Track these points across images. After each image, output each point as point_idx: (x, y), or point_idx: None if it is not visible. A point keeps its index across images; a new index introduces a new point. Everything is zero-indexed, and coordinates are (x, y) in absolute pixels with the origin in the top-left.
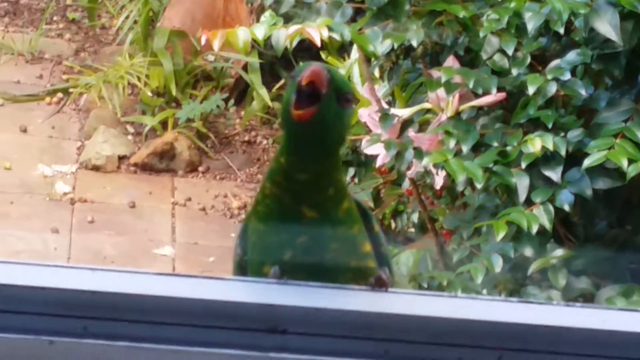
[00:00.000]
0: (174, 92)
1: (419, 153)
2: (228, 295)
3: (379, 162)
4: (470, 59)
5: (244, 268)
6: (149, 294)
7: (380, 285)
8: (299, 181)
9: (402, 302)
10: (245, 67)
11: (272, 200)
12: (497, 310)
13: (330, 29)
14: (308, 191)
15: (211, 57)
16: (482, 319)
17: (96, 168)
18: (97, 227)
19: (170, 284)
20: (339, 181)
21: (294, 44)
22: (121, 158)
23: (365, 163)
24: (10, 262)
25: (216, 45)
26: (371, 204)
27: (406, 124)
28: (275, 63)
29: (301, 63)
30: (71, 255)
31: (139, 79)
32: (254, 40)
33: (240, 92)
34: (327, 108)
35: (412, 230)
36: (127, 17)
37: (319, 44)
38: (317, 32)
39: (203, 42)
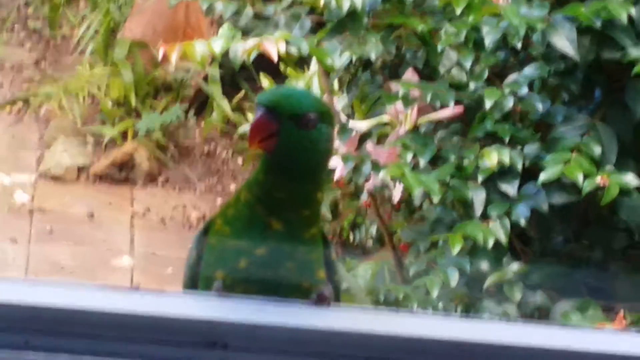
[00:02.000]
0: (134, 102)
1: (377, 166)
2: (168, 309)
3: (336, 175)
4: (428, 73)
5: (195, 272)
6: (89, 309)
7: (322, 301)
8: (276, 198)
9: (343, 318)
10: (205, 78)
11: (245, 207)
12: (436, 326)
13: (288, 42)
14: (283, 207)
15: (171, 68)
16: (423, 335)
17: (55, 178)
18: (56, 237)
19: (111, 298)
20: (316, 205)
21: (252, 57)
22: (81, 168)
23: None
24: None
25: (174, 58)
26: (329, 216)
27: (364, 136)
28: (235, 74)
29: (266, 85)
30: (29, 266)
31: (99, 89)
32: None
33: (201, 103)
34: (286, 136)
35: (370, 242)
36: (88, 27)
37: (275, 58)
38: (274, 46)
39: (160, 55)
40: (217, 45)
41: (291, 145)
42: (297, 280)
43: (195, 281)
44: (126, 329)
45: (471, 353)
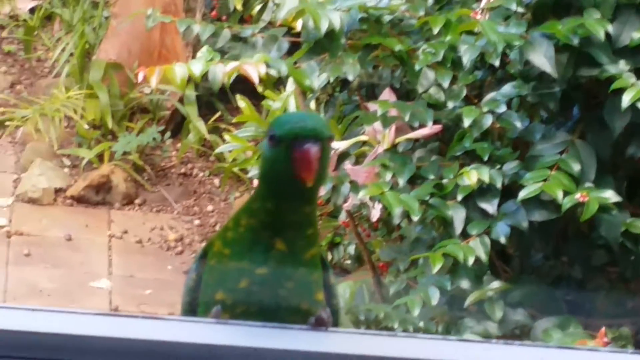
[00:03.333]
0: (110, 124)
1: (355, 187)
2: (168, 335)
3: None
4: (406, 92)
5: (193, 297)
6: (89, 335)
7: (320, 324)
8: (283, 219)
9: (341, 341)
10: (181, 100)
11: (247, 230)
12: (435, 348)
13: (267, 65)
14: (289, 228)
15: (147, 90)
16: (421, 357)
17: (32, 201)
18: (34, 260)
19: (111, 324)
20: (316, 223)
21: (231, 79)
22: (57, 191)
23: None
24: None
25: (153, 82)
26: None
27: (342, 156)
28: (211, 95)
29: (242, 106)
30: (7, 289)
31: (75, 111)
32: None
33: (177, 125)
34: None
35: (349, 262)
36: (63, 50)
37: (257, 81)
38: (255, 69)
39: (140, 79)
40: (197, 67)
41: (321, 169)
42: (297, 301)
43: (194, 306)
44: (126, 354)
45: None
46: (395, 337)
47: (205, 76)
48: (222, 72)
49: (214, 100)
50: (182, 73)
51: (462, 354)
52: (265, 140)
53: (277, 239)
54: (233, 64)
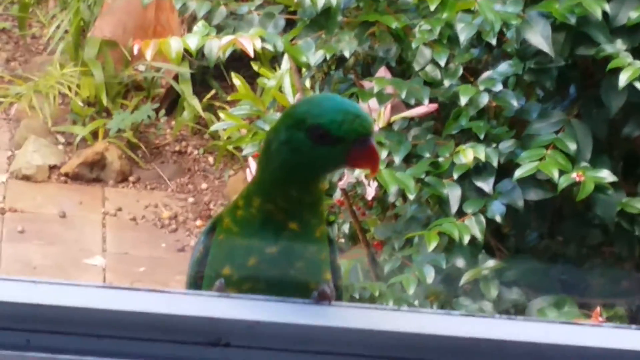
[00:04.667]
0: (104, 102)
1: None
2: (171, 308)
3: None
4: (402, 70)
5: (199, 270)
6: (92, 307)
7: (323, 298)
8: (296, 198)
9: (345, 315)
10: (176, 77)
11: (258, 211)
12: (439, 323)
13: (263, 39)
14: (301, 207)
15: (142, 67)
16: (425, 332)
17: (27, 178)
18: (27, 237)
19: (113, 297)
20: (323, 199)
21: (227, 54)
22: (52, 168)
23: None
24: None
25: (148, 54)
26: None
27: None
28: (206, 73)
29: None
30: (1, 266)
31: (69, 88)
32: (186, 50)
33: (171, 102)
34: None
35: (343, 240)
36: (58, 27)
37: (252, 54)
38: (250, 43)
39: (135, 51)
40: (192, 42)
41: None
42: (305, 280)
43: (198, 279)
44: (129, 327)
45: (473, 349)
46: (398, 311)
47: (200, 52)
48: (217, 46)
49: (209, 78)
50: (178, 47)
51: (467, 329)
52: (296, 133)
53: (290, 219)
54: (228, 38)
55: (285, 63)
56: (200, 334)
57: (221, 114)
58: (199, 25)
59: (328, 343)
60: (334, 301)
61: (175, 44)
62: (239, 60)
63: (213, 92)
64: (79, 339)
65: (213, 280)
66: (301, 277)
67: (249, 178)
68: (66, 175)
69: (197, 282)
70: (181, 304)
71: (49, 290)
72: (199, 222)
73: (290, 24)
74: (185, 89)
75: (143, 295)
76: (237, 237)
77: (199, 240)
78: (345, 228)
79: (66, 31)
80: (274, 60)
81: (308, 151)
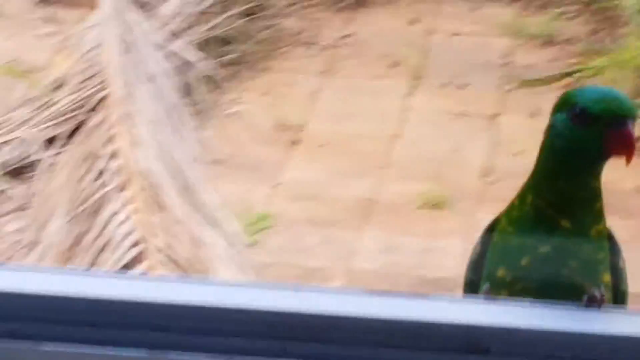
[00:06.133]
0: None
1: None
2: (431, 314)
3: None
4: None
5: (475, 272)
6: (354, 315)
7: (592, 302)
8: (569, 195)
9: (616, 321)
10: None
11: (530, 207)
12: None
13: None
14: (574, 203)
15: None
16: None
17: None
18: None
19: (362, 304)
20: (601, 196)
21: None
22: None
23: None
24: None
25: None
26: None
27: None
28: None
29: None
30: None
31: None
32: None
33: None
34: None
35: None
36: None
37: None
38: None
39: None
40: None
41: None
42: (578, 281)
43: (472, 283)
44: (366, 333)
45: None
46: None
47: None
48: None
49: None
50: None
51: None
52: (559, 115)
53: (562, 215)
54: None
55: None
56: (460, 340)
57: None
58: None
59: (595, 352)
60: (605, 306)
61: None
62: None
63: None
64: (338, 347)
65: (491, 280)
66: (574, 277)
67: None
68: None
69: (472, 286)
70: (439, 311)
71: (308, 298)
72: None
73: None
74: None
75: (395, 302)
76: (511, 237)
77: (477, 242)
78: None
79: None
80: None
81: (567, 134)
